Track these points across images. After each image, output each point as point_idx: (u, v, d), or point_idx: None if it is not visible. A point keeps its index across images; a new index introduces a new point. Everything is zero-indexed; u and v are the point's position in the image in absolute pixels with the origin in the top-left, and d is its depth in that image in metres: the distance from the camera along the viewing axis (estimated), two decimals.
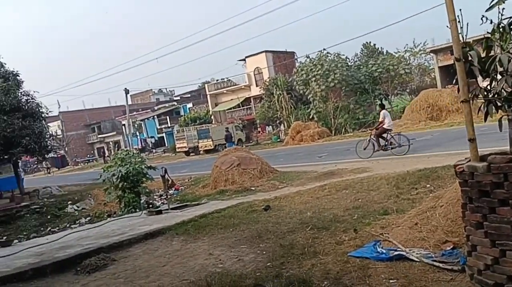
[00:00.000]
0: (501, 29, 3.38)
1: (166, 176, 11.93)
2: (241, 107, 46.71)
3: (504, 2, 3.27)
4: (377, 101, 34.92)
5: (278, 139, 35.42)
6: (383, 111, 15.73)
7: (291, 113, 34.63)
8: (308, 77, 32.35)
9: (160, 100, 70.17)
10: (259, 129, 43.67)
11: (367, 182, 9.57)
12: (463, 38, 3.49)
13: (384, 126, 15.03)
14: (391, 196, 7.80)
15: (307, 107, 33.69)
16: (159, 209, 11.17)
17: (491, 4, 3.33)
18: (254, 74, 45.21)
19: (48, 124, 26.56)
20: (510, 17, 3.32)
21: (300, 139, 29.17)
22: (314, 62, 32.66)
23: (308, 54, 34.88)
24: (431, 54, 31.84)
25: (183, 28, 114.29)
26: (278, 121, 38.32)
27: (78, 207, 18.93)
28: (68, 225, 15.41)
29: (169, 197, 13.28)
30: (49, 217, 17.95)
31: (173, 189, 15.57)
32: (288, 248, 5.77)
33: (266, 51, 44.47)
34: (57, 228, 15.36)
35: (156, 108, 59.31)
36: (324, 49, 33.55)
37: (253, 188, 12.52)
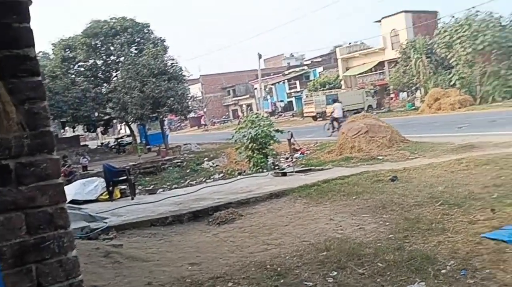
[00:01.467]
0: None
1: (293, 139, 12.23)
2: (374, 72, 44.53)
3: None
4: None
5: (413, 107, 33.12)
6: (335, 104, 22.85)
7: (430, 78, 31.86)
8: (452, 39, 29.08)
9: (290, 64, 70.85)
10: (392, 95, 41.29)
11: None
12: None
13: (334, 115, 21.75)
14: None
15: (448, 73, 30.56)
16: (284, 171, 11.59)
17: None
18: (390, 37, 42.33)
19: (190, 86, 29.24)
20: None
21: (437, 108, 26.82)
22: (461, 23, 29.10)
23: (453, 14, 31.16)
24: None
25: None
26: (413, 88, 35.68)
27: (213, 164, 20.76)
28: (203, 180, 17.10)
29: (294, 160, 13.66)
30: (188, 171, 20.12)
31: (299, 152, 15.91)
32: (413, 221, 5.52)
33: (405, 11, 41.05)
34: (194, 181, 17.16)
35: (286, 72, 60.18)
36: (473, 7, 29.58)
37: (380, 157, 12.07)
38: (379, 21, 43.73)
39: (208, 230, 6.91)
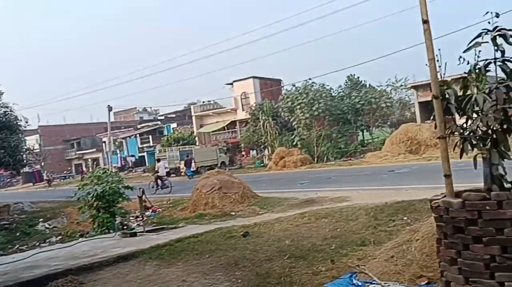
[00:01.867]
0: (477, 70, 3.48)
1: (144, 196, 11.72)
2: (226, 130, 46.76)
3: (480, 45, 3.39)
4: (358, 132, 35.54)
5: (262, 164, 35.42)
6: (160, 163, 24.65)
7: (276, 139, 34.84)
8: (293, 105, 32.79)
9: (143, 119, 69.78)
10: (243, 153, 43.64)
11: (346, 211, 9.59)
12: (441, 76, 3.59)
13: (158, 174, 23.40)
14: (369, 226, 7.81)
15: (291, 134, 33.99)
16: (134, 231, 10.89)
17: (468, 46, 3.45)
18: (241, 99, 45.54)
19: (26, 138, 26.09)
20: (486, 60, 3.43)
21: (283, 165, 29.25)
22: (300, 91, 33.21)
23: (294, 83, 35.44)
24: (412, 89, 32.71)
25: (171, 48, 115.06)
26: (262, 146, 38.43)
27: (49, 225, 18.38)
28: (37, 244, 14.90)
29: (145, 218, 13.00)
30: (18, 234, 17.33)
31: (150, 210, 15.28)
32: (264, 277, 5.66)
33: (253, 77, 45.02)
34: (26, 246, 14.83)
35: (139, 126, 58.92)
36: (309, 78, 34.22)
37: (233, 213, 12.38)
38: (231, 83, 46.86)
39: None
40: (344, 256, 6.08)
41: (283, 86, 45.28)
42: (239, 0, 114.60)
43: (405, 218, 7.96)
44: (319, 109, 31.25)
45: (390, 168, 19.94)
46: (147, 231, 10.72)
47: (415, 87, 31.44)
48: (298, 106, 32.07)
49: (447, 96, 3.58)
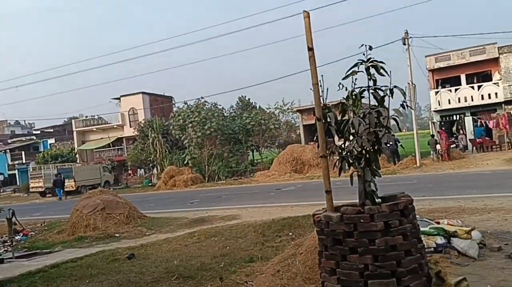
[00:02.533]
0: (353, 96, 3.88)
1: (14, 219, 10.44)
2: (112, 147, 44.33)
3: (356, 74, 3.80)
4: (249, 152, 36.65)
5: (150, 184, 34.23)
6: None
7: (165, 157, 34.08)
8: (185, 123, 32.54)
9: (16, 133, 62.71)
10: (130, 171, 41.70)
11: (235, 229, 9.74)
12: (323, 100, 3.92)
13: None
14: (257, 243, 8.03)
15: (182, 153, 33.58)
16: (0, 257, 9.61)
17: (347, 74, 3.84)
18: (129, 115, 43.75)
19: None
20: (361, 87, 3.85)
21: (173, 185, 28.62)
22: (192, 109, 33.16)
23: (186, 101, 35.25)
24: (297, 113, 35.04)
25: (50, 57, 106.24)
26: (151, 165, 37.22)
27: None
28: None
29: (14, 243, 11.57)
30: None
31: (21, 234, 13.66)
32: None
33: (143, 93, 43.71)
34: None
35: (9, 141, 52.71)
36: (202, 97, 34.43)
37: (117, 235, 11.68)
38: (118, 98, 44.83)
39: None
40: (233, 273, 6.13)
41: (174, 104, 44.81)
42: (133, 12, 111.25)
43: (290, 233, 8.37)
44: (211, 129, 31.52)
45: (277, 186, 20.87)
46: (17, 257, 9.57)
47: (300, 111, 33.71)
48: (190, 125, 31.95)
49: (328, 119, 3.91)
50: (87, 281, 6.80)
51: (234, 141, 33.77)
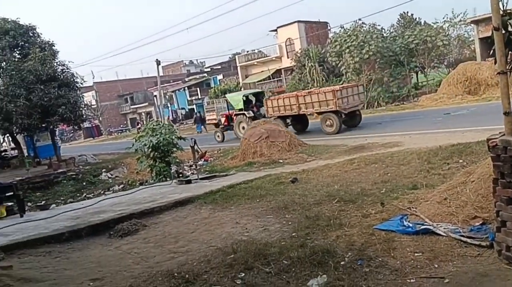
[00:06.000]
0: None
1: (196, 147, 12.12)
2: (272, 79, 46.31)
3: None
4: (412, 75, 33.82)
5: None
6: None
7: (323, 85, 34.08)
8: (341, 49, 31.49)
9: (191, 71, 70.43)
10: None
11: (397, 156, 9.43)
12: (503, 6, 3.30)
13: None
14: (421, 170, 7.67)
15: (339, 80, 33.02)
16: (188, 178, 11.42)
17: None
18: (286, 45, 44.45)
19: (83, 94, 27.32)
20: None
21: None
22: (349, 33, 31.68)
23: (342, 25, 33.78)
24: (472, 25, 30.19)
25: None
26: None
27: (111, 175, 19.65)
28: (102, 192, 16.08)
29: (198, 167, 13.54)
30: (84, 183, 18.74)
31: (203, 159, 15.83)
32: (313, 219, 5.81)
33: (298, 21, 43.45)
34: (92, 194, 16.06)
35: (186, 79, 59.66)
36: (359, 19, 32.45)
37: (281, 161, 12.55)
38: (275, 30, 45.65)
39: (109, 243, 6.52)
40: (395, 199, 6.06)
41: (329, 29, 43.49)
42: None
43: (460, 161, 7.72)
44: (369, 52, 29.83)
45: (445, 110, 19.06)
46: (201, 179, 11.21)
47: (476, 22, 29.00)
48: (347, 50, 30.79)
49: (509, 28, 3.32)
50: (257, 200, 7.62)
51: (395, 64, 31.42)
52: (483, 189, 4.59)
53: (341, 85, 21.69)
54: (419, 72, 33.63)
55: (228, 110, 25.06)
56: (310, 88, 35.60)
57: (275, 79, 46.14)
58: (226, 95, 31.67)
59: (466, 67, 24.36)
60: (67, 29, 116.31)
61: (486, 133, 8.79)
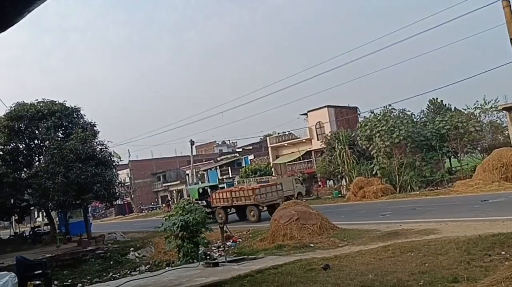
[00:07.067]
0: None
1: (225, 227, 12.03)
2: (302, 161, 46.63)
3: None
4: (445, 159, 33.30)
5: (339, 195, 34.55)
6: None
7: (353, 168, 33.92)
8: (372, 133, 31.84)
9: (223, 151, 72.20)
10: (319, 183, 43.03)
11: (434, 245, 9.01)
12: None
13: None
14: (461, 262, 7.23)
15: (370, 163, 32.87)
16: (216, 261, 11.18)
17: None
18: (316, 128, 45.39)
19: (118, 172, 28.19)
20: None
21: (362, 196, 28.22)
22: (379, 118, 32.22)
23: (372, 110, 34.47)
24: (504, 111, 30.13)
25: (247, 81, 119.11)
26: (339, 176, 37.59)
27: (139, 254, 19.48)
28: (128, 272, 15.87)
29: (226, 249, 13.31)
30: (111, 262, 18.61)
31: (231, 240, 15.59)
32: None
33: (328, 106, 44.78)
34: (118, 274, 15.85)
35: (218, 159, 60.98)
36: (389, 105, 33.14)
37: (312, 245, 12.19)
38: (305, 113, 47.04)
39: None
40: None
41: (359, 114, 44.39)
42: (312, 33, 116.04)
43: (503, 253, 7.27)
44: (400, 137, 29.97)
45: (483, 197, 18.37)
46: (229, 261, 10.94)
47: (508, 109, 28.94)
48: (377, 134, 31.07)
49: None
50: None
51: (426, 148, 31.24)
52: None
53: (260, 184, 27.87)
54: (452, 157, 33.15)
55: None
56: (341, 170, 35.58)
57: (305, 160, 46.46)
58: (187, 187, 36.14)
59: (501, 153, 23.87)
60: (109, 111, 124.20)
61: None
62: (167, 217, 14.50)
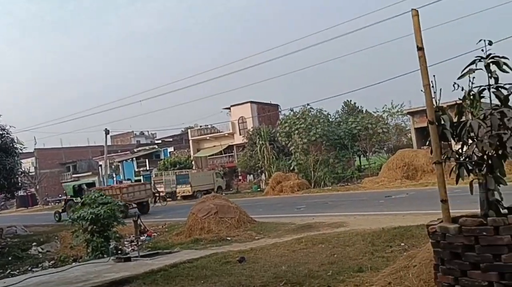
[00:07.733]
0: (471, 97, 3.54)
1: (139, 221, 11.61)
2: (223, 155, 46.76)
3: (474, 72, 3.46)
4: (355, 158, 35.59)
5: (259, 189, 35.27)
6: None
7: (273, 163, 34.81)
8: (291, 130, 32.95)
9: (140, 142, 69.73)
10: (240, 177, 43.50)
11: (343, 237, 9.53)
12: (436, 102, 3.63)
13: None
14: (366, 252, 7.73)
15: (288, 159, 34.00)
16: (128, 255, 10.73)
17: (463, 73, 3.51)
18: (238, 123, 45.77)
19: (21, 160, 25.90)
20: (480, 86, 3.49)
21: (280, 190, 29.13)
22: (298, 116, 33.45)
23: (292, 108, 35.68)
24: (408, 115, 33.00)
25: (169, 72, 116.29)
26: (259, 171, 38.37)
27: (42, 249, 18.08)
28: (29, 268, 14.63)
29: (140, 243, 12.84)
30: (10, 258, 17.02)
31: (145, 235, 15.11)
32: None
33: (251, 102, 45.39)
34: (18, 271, 14.56)
35: (135, 150, 58.77)
36: (307, 104, 34.55)
37: (229, 238, 12.25)
38: (229, 108, 47.18)
39: None
40: (341, 282, 5.99)
41: (280, 111, 45.66)
42: (242, 27, 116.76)
43: (402, 244, 7.90)
44: (316, 135, 31.42)
45: (387, 193, 19.91)
46: (142, 256, 10.56)
47: (411, 113, 31.73)
48: (296, 131, 32.23)
49: (442, 122, 3.62)
50: (201, 281, 7.23)
51: (339, 146, 33.15)
52: (425, 274, 4.66)
53: (128, 184, 30.18)
54: (362, 155, 35.51)
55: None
56: (261, 165, 36.33)
57: (227, 154, 46.65)
58: (63, 183, 38.32)
59: (404, 154, 26.11)
60: (14, 93, 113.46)
61: (425, 217, 9.17)
62: (75, 209, 13.57)
